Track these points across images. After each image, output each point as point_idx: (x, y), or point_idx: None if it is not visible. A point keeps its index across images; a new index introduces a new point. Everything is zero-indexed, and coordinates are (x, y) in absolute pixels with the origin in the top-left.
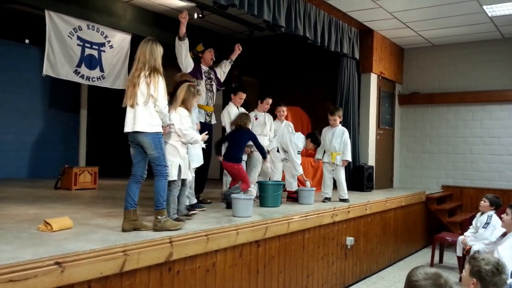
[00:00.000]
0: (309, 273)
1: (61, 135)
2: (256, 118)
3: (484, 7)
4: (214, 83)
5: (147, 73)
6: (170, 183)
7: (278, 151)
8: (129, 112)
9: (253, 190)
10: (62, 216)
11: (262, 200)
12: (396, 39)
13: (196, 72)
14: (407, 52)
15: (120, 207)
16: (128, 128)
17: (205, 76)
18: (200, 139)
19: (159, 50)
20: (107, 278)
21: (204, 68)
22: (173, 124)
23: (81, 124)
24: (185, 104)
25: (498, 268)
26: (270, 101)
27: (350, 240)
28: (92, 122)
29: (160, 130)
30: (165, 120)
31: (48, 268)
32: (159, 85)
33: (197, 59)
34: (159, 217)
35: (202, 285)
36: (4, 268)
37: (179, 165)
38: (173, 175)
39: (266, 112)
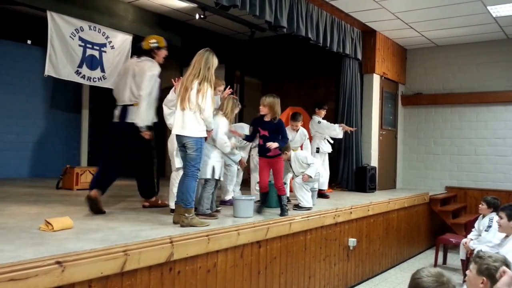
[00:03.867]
0: (311, 274)
1: (62, 135)
2: None
3: (489, 7)
4: None
5: (199, 81)
6: (206, 181)
7: (318, 151)
8: (179, 115)
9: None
10: (63, 216)
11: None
12: (399, 39)
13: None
14: (410, 53)
15: (121, 208)
16: (176, 130)
17: None
18: (232, 149)
19: (214, 61)
20: (107, 277)
21: None
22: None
23: (83, 124)
24: (227, 114)
25: (507, 264)
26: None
27: (352, 241)
28: (94, 122)
29: (204, 134)
30: (210, 126)
31: (49, 268)
32: (207, 95)
33: (148, 54)
34: (186, 214)
35: (203, 286)
36: (5, 267)
37: (213, 166)
38: (207, 173)
39: None
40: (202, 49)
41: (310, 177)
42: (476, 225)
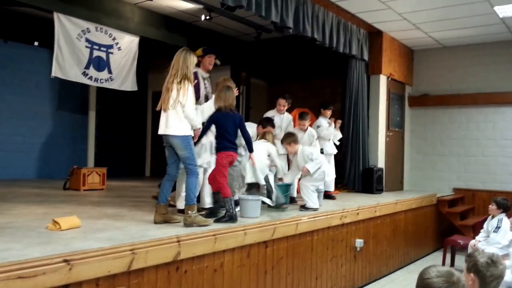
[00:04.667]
0: (318, 275)
1: (69, 137)
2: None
3: (495, 7)
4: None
5: (179, 79)
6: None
7: (322, 152)
8: (162, 116)
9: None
10: (70, 216)
11: None
12: (406, 40)
13: (195, 76)
14: (417, 54)
15: (128, 207)
16: (161, 131)
17: (203, 83)
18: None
19: (192, 59)
20: (115, 276)
21: (203, 73)
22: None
23: (90, 126)
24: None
25: (493, 259)
26: (282, 101)
27: (359, 242)
28: (101, 123)
29: (189, 133)
30: (194, 124)
31: (56, 266)
32: (188, 92)
33: (197, 64)
34: (189, 212)
35: (210, 285)
36: (14, 265)
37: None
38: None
39: (283, 113)
40: (179, 49)
41: (309, 171)
42: (485, 226)
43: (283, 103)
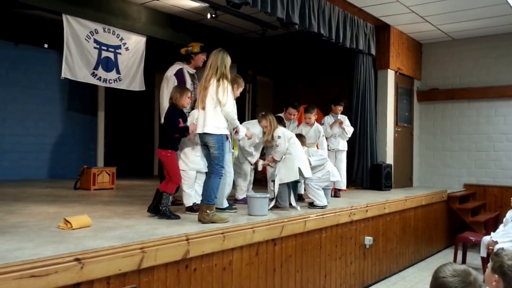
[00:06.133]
0: (327, 273)
1: (79, 137)
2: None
3: None
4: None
5: (217, 78)
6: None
7: (327, 148)
8: (200, 115)
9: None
10: (81, 215)
11: None
12: (414, 34)
13: (180, 74)
14: (425, 47)
15: (137, 206)
16: (199, 129)
17: (191, 80)
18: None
19: (228, 59)
20: (125, 274)
21: (190, 70)
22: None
23: (99, 126)
24: None
25: None
26: (293, 111)
27: (368, 240)
28: (110, 123)
29: (225, 132)
30: (233, 123)
31: (68, 264)
32: (227, 91)
33: (186, 58)
34: (208, 211)
35: (219, 283)
36: (26, 264)
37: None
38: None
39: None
40: (215, 49)
41: (310, 163)
42: (505, 218)
43: (293, 112)
